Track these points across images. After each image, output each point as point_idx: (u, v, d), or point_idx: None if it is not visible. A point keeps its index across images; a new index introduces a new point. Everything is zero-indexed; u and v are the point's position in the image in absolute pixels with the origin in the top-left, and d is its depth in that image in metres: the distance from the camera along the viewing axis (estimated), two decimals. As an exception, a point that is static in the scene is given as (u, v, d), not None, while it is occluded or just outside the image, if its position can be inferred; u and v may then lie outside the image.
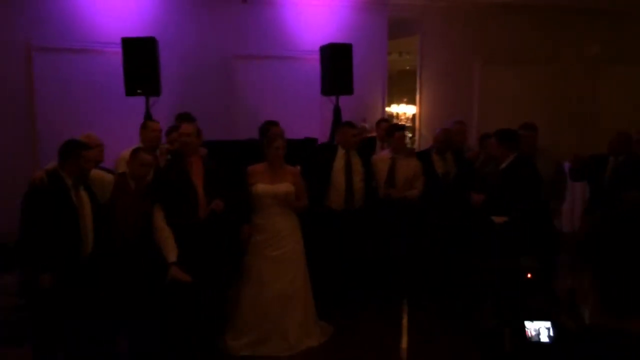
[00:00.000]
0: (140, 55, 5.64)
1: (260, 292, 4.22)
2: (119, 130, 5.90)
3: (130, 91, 5.69)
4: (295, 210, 4.38)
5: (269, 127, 5.02)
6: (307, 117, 6.54)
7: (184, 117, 5.02)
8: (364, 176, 5.04)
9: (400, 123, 5.92)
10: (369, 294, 5.13)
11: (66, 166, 3.63)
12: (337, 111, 6.44)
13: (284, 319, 4.22)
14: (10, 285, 5.42)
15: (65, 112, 6.29)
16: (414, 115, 9.06)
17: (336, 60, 6.27)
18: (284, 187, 4.26)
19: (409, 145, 8.21)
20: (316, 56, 6.58)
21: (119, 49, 5.69)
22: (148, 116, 5.71)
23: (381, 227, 5.07)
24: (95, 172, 3.88)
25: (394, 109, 11.30)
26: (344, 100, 6.46)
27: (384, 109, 7.71)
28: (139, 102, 5.80)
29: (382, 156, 5.21)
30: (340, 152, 5.04)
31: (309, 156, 5.11)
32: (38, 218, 3.52)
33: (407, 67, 10.31)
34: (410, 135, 10.08)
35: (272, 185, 4.24)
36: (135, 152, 4.02)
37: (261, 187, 4.24)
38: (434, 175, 5.15)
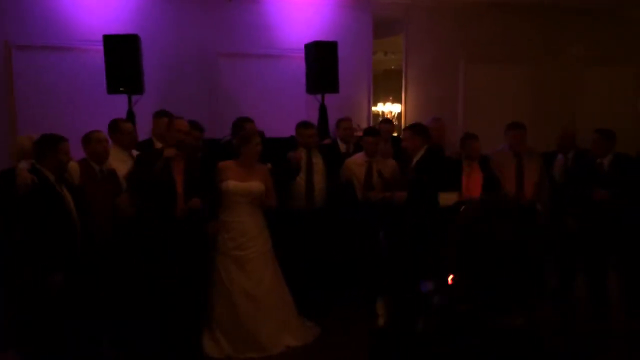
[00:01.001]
0: (122, 53, 5.55)
1: (229, 292, 4.15)
2: (101, 129, 5.83)
3: (112, 89, 5.60)
4: (263, 208, 4.32)
5: (243, 124, 4.97)
6: (292, 116, 6.46)
7: (162, 114, 4.97)
8: (326, 175, 5.02)
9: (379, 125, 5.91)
10: (346, 294, 5.09)
11: (46, 162, 3.56)
12: (322, 110, 6.41)
13: (255, 320, 4.15)
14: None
15: (46, 111, 6.18)
16: (399, 114, 9.07)
17: (321, 58, 6.23)
18: (256, 185, 4.21)
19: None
20: (301, 54, 6.53)
21: (100, 47, 5.61)
22: (130, 114, 5.64)
23: (362, 229, 5.03)
24: None
25: (380, 107, 11.32)
26: (329, 98, 6.43)
27: (369, 107, 7.70)
28: (121, 100, 5.72)
29: (356, 159, 5.16)
30: (301, 151, 5.02)
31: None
32: (35, 220, 3.47)
33: (392, 67, 10.33)
34: (395, 134, 10.08)
35: (244, 182, 4.18)
36: (86, 134, 4.03)
37: (232, 184, 4.17)
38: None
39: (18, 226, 3.52)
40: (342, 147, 5.24)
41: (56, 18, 6.29)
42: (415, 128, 4.86)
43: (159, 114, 4.98)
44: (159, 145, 4.56)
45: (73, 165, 3.89)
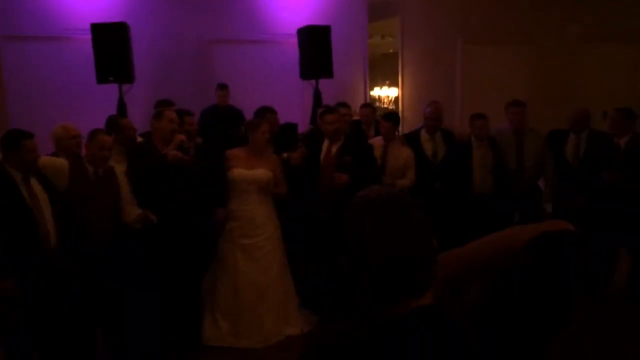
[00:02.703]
0: (111, 42, 5.45)
1: (234, 280, 4.12)
2: (92, 119, 5.74)
3: (101, 79, 5.50)
4: (275, 198, 4.26)
5: (265, 113, 4.82)
6: (286, 102, 6.38)
7: (164, 103, 4.87)
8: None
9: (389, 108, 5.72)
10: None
11: (10, 159, 3.32)
12: (317, 95, 6.31)
13: (259, 308, 4.12)
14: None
15: (37, 102, 6.10)
16: (396, 98, 8.96)
17: (314, 43, 6.11)
18: (263, 173, 4.13)
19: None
20: (294, 39, 6.42)
21: (89, 36, 5.50)
22: (121, 104, 5.55)
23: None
24: (45, 159, 3.59)
25: (377, 92, 11.21)
26: (324, 83, 6.32)
27: (366, 92, 7.59)
28: (112, 89, 5.63)
29: (374, 142, 4.99)
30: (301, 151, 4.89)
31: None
32: None
33: (391, 50, 10.19)
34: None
35: (250, 170, 4.12)
36: (93, 133, 3.71)
37: (238, 172, 4.11)
38: (425, 158, 4.98)
39: None
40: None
41: (44, 7, 6.18)
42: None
43: (161, 104, 4.85)
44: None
45: (62, 164, 3.67)
